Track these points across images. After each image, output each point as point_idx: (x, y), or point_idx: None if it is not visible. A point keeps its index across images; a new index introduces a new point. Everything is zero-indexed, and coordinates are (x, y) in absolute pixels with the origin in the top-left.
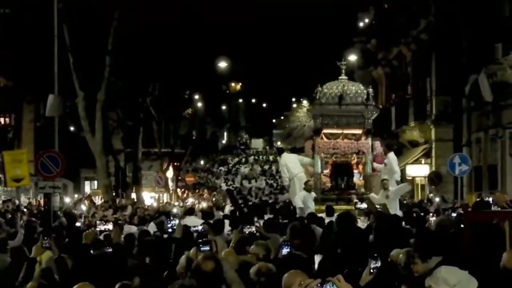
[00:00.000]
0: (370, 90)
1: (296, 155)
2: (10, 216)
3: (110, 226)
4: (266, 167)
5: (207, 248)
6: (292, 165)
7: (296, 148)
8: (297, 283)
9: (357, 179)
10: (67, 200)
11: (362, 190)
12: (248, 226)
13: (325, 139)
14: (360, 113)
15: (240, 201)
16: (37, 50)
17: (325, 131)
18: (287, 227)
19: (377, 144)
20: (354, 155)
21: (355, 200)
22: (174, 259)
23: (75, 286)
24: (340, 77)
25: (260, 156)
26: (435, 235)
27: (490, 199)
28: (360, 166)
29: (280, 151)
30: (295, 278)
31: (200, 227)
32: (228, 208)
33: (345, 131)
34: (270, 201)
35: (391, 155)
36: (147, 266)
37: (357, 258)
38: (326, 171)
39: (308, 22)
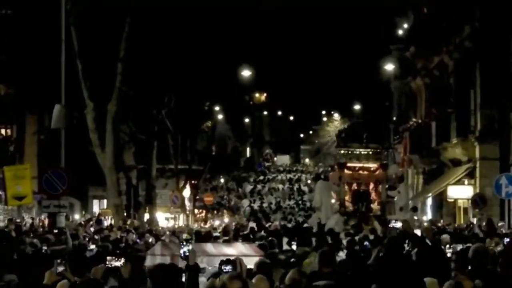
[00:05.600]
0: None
1: (328, 182)
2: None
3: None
4: (294, 184)
5: (230, 267)
6: (325, 191)
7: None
8: None
9: (374, 204)
10: (76, 217)
11: (378, 213)
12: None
13: (348, 171)
14: (376, 150)
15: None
16: (42, 56)
17: (348, 164)
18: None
19: (392, 176)
20: (372, 184)
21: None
22: (188, 286)
23: None
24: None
25: (287, 175)
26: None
27: None
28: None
29: (317, 178)
30: None
31: None
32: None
33: (365, 165)
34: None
35: (401, 186)
36: None
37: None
38: (347, 197)
39: (342, 28)
